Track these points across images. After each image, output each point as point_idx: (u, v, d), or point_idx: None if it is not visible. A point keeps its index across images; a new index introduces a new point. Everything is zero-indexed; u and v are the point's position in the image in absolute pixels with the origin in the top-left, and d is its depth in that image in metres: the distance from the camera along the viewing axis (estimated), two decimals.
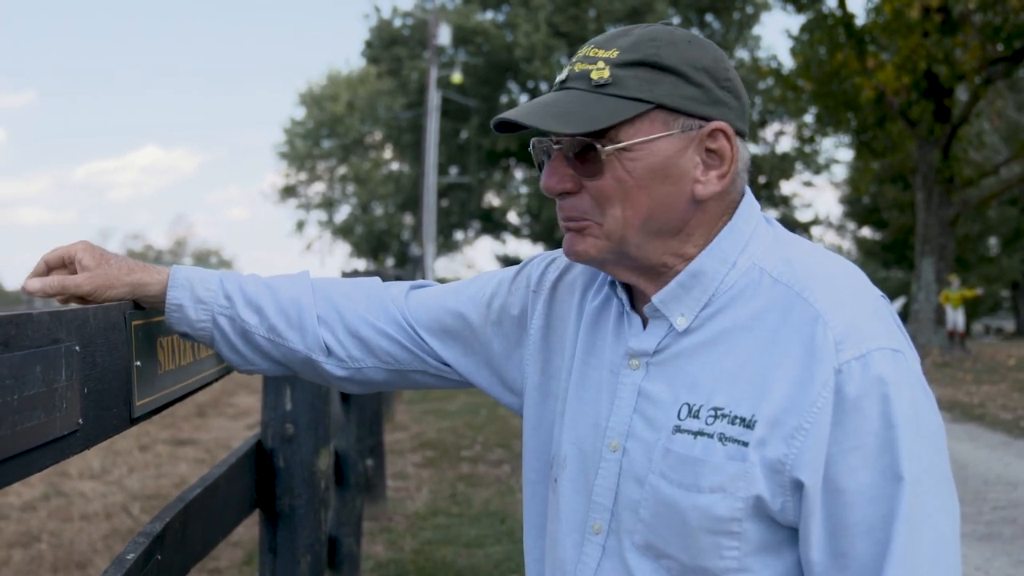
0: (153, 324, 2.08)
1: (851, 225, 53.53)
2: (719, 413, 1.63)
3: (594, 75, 1.65)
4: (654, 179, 1.66)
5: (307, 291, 2.07)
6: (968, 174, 26.76)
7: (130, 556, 2.14)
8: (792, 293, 1.65)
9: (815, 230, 49.92)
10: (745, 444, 1.59)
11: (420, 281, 2.18)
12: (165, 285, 1.99)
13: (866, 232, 52.33)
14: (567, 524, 1.83)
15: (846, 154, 54.11)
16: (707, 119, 1.67)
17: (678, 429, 1.67)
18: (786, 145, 47.68)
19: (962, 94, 26.77)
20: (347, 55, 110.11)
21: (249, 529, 7.27)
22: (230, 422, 13.85)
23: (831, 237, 57.29)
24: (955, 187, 25.92)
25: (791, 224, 47.94)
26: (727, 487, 1.60)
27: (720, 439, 1.62)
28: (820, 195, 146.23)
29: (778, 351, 1.62)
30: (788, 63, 33.16)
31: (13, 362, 1.43)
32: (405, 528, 7.86)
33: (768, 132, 46.95)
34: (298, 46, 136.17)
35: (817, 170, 48.12)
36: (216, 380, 2.66)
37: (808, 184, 50.66)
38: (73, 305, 1.93)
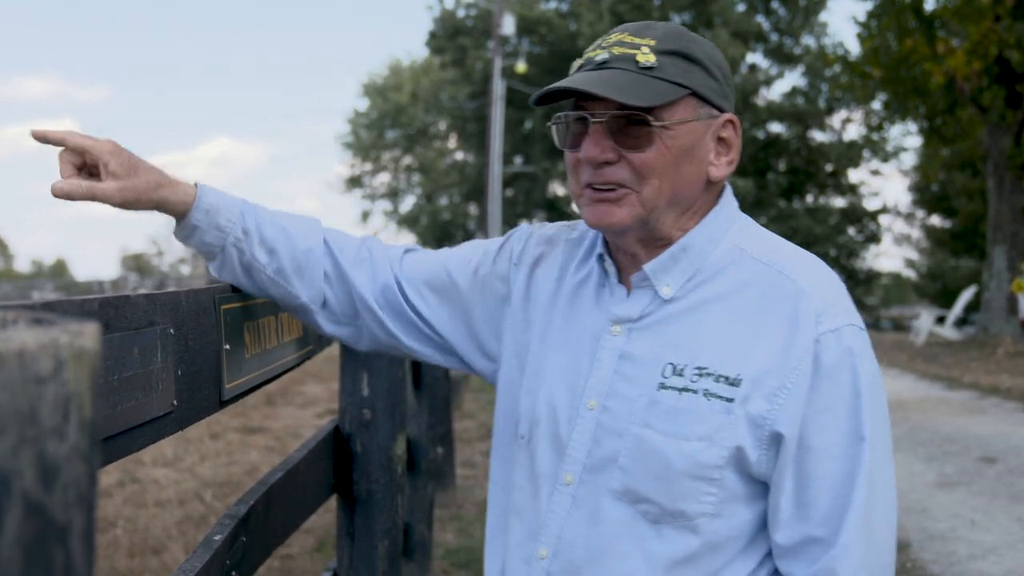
0: (241, 308, 2.11)
1: (920, 213, 52.85)
2: (703, 372, 1.81)
3: (640, 58, 1.81)
4: (684, 158, 1.84)
5: (319, 244, 2.17)
6: None
7: (217, 537, 2.18)
8: (774, 271, 1.86)
9: (883, 219, 49.28)
10: (730, 400, 1.78)
11: (411, 245, 2.29)
12: (189, 207, 2.04)
13: (935, 220, 51.60)
14: (541, 478, 1.95)
15: (915, 141, 53.26)
16: (722, 110, 1.88)
17: (663, 386, 1.82)
18: (854, 133, 47.11)
19: None
20: (408, 46, 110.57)
21: (321, 517, 7.34)
22: (299, 411, 13.96)
23: (900, 226, 56.58)
24: None
25: (860, 213, 47.36)
26: (713, 436, 1.78)
27: (705, 395, 1.79)
28: (888, 183, 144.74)
29: (761, 319, 1.82)
30: (855, 50, 32.80)
31: (113, 343, 1.47)
32: (475, 516, 7.89)
33: (835, 120, 46.42)
34: (359, 38, 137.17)
35: (885, 158, 47.45)
36: (297, 366, 2.70)
37: (876, 172, 50.04)
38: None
